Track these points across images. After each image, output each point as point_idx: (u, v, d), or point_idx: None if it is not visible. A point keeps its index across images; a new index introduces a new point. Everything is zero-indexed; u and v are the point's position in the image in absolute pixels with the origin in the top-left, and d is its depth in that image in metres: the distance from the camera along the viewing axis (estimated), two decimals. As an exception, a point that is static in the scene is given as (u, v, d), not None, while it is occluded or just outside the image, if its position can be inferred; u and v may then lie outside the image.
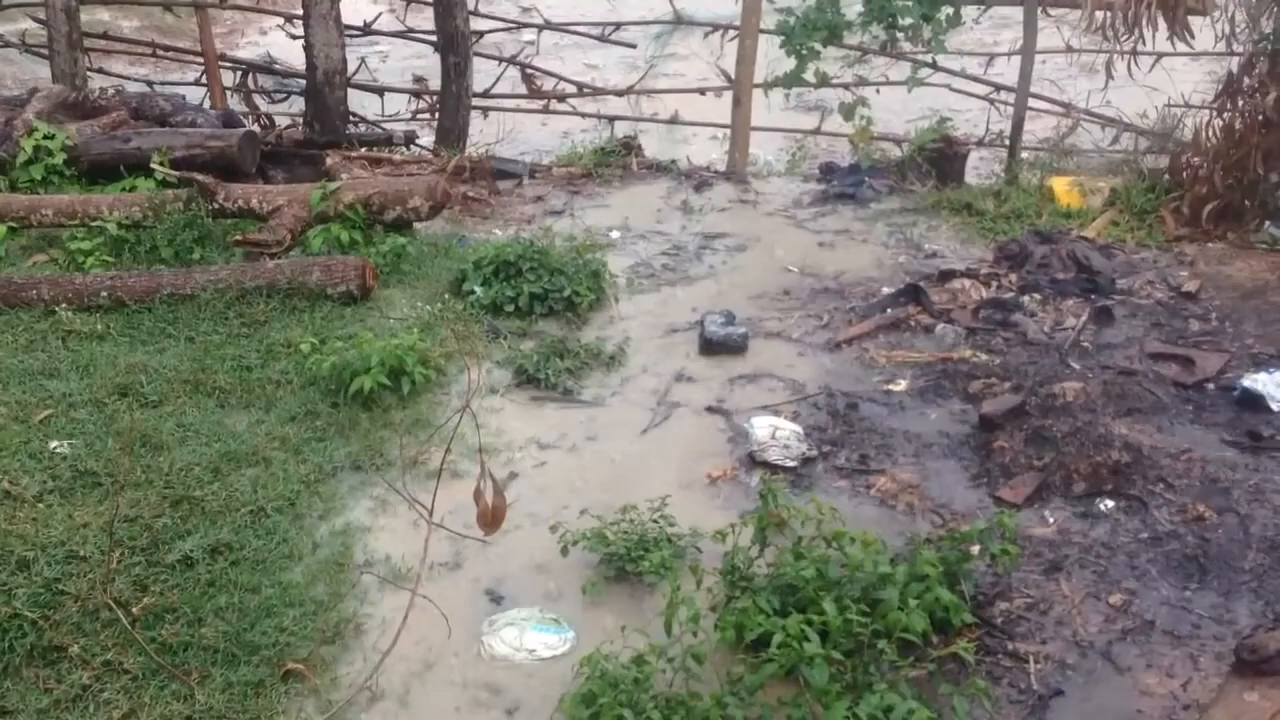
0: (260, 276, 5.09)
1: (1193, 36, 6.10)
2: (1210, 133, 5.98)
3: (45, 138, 6.50)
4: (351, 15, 7.90)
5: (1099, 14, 6.23)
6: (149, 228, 5.68)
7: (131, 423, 4.06)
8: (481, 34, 8.30)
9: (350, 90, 7.73)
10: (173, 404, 4.28)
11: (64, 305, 4.99)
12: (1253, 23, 5.95)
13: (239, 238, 5.59)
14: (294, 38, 8.03)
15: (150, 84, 9.07)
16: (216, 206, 5.78)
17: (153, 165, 6.13)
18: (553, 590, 3.41)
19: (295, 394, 4.38)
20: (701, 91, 8.27)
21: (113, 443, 3.96)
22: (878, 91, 7.64)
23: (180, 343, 4.78)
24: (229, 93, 8.60)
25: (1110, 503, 3.68)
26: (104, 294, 5.03)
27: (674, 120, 8.36)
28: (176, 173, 6.00)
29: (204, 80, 8.54)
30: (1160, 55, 6.64)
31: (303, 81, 7.81)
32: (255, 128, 7.62)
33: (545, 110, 8.60)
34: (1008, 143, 7.05)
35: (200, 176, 5.81)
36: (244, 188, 5.95)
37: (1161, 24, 6.17)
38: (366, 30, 8.45)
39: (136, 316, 4.98)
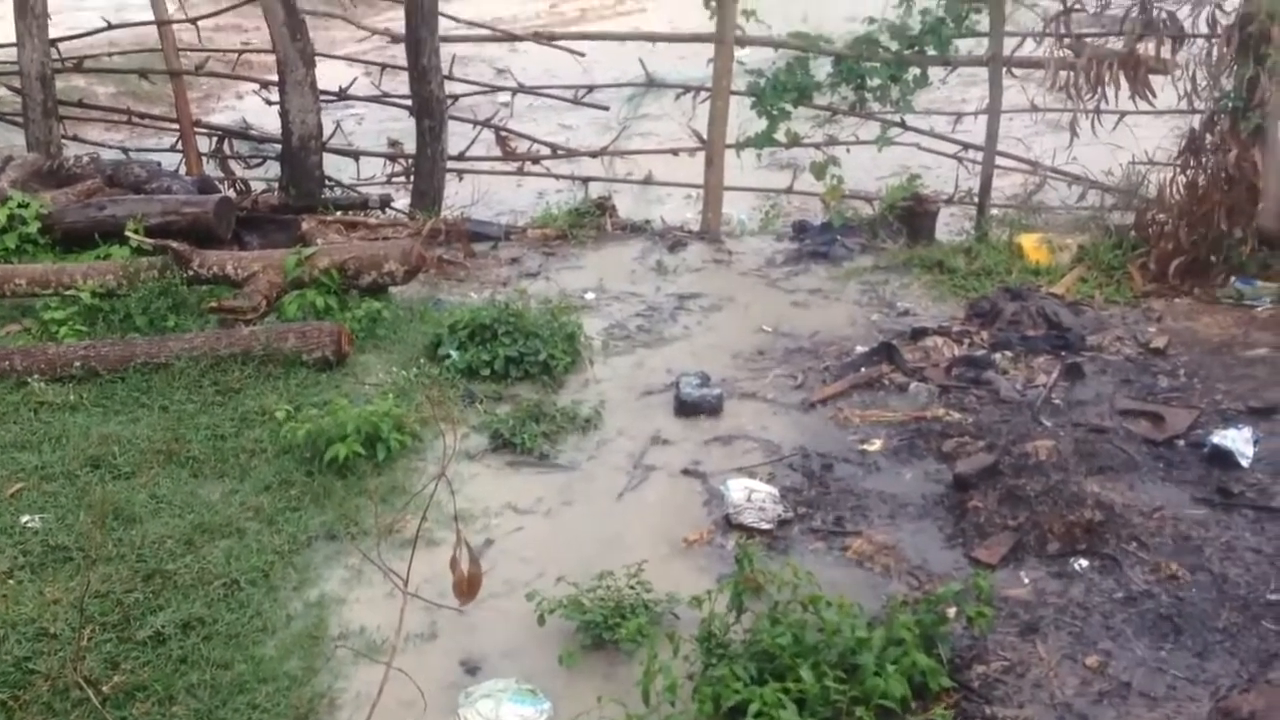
0: (235, 344, 5.09)
1: (1154, 95, 6.22)
2: (1174, 189, 6.08)
3: (20, 206, 6.50)
4: (327, 80, 7.95)
5: (1062, 73, 6.37)
6: (123, 296, 5.67)
7: (103, 495, 4.04)
8: (456, 98, 8.37)
9: (326, 154, 7.77)
10: (146, 475, 4.26)
11: (37, 376, 4.98)
12: (1213, 81, 6.06)
13: (214, 305, 5.60)
14: (270, 104, 8.08)
15: (126, 151, 9.09)
16: (191, 273, 5.79)
17: (128, 233, 6.14)
18: (529, 660, 3.39)
19: (270, 462, 4.36)
20: (674, 152, 8.35)
21: (84, 516, 3.94)
22: (848, 151, 7.73)
23: (154, 412, 4.76)
24: (205, 158, 8.63)
25: (1084, 562, 3.71)
26: (77, 364, 5.02)
27: (648, 181, 8.43)
28: (151, 240, 6.01)
29: (179, 146, 8.57)
30: (1123, 114, 6.75)
31: (278, 146, 7.85)
32: (231, 193, 7.65)
33: (520, 172, 8.66)
34: (977, 200, 7.15)
35: (175, 244, 5.82)
36: (219, 254, 5.96)
37: (1124, 82, 6.32)
38: (342, 95, 8.51)
39: (110, 386, 4.96)
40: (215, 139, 8.75)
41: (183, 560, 3.73)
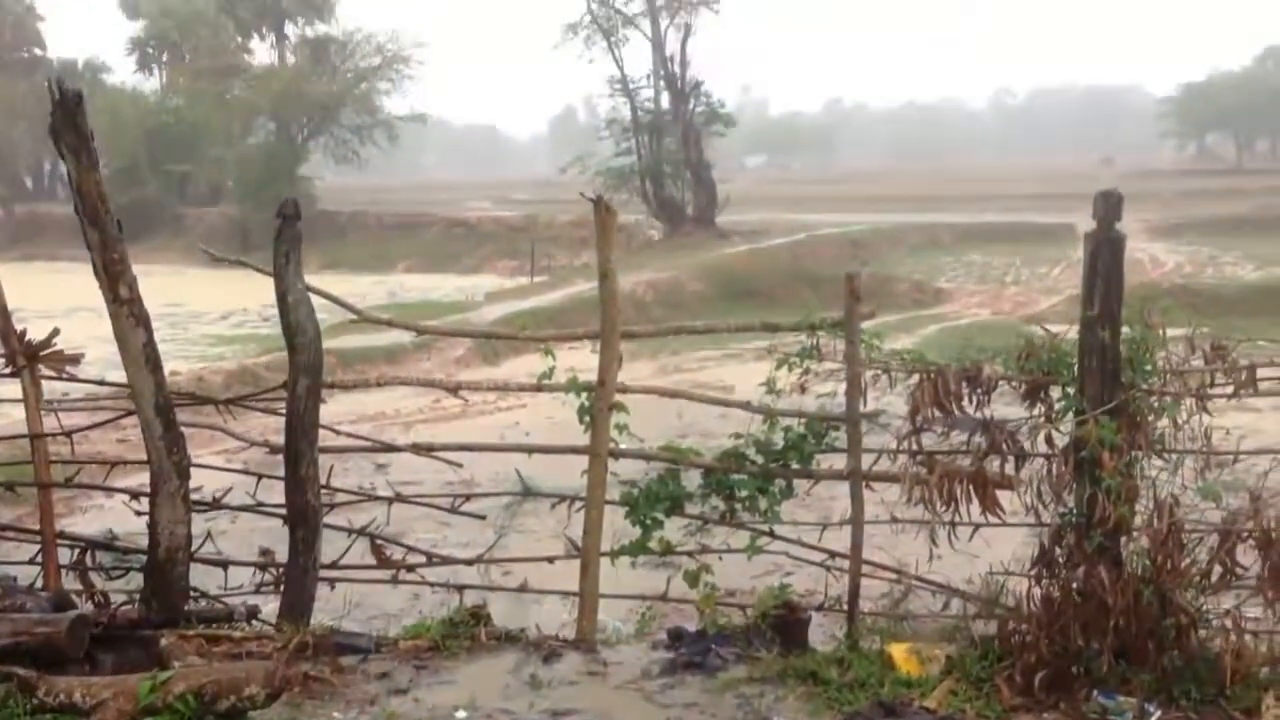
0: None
1: (1003, 512, 6.58)
2: (1031, 601, 6.30)
3: None
4: (201, 477, 7.95)
5: (917, 489, 6.72)
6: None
7: None
8: (332, 506, 8.41)
9: (194, 563, 7.64)
10: None
11: None
12: (1056, 496, 6.45)
13: (56, 743, 5.27)
14: (139, 514, 7.99)
15: (-19, 559, 8.79)
16: (37, 702, 5.48)
17: (-28, 656, 5.83)
18: None
19: None
20: (550, 560, 8.43)
21: None
22: (720, 558, 7.90)
23: None
24: (64, 570, 8.38)
25: None
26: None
27: (523, 589, 8.44)
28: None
29: (39, 559, 8.33)
30: (977, 525, 7.08)
31: (144, 557, 7.69)
32: (88, 607, 7.39)
33: (394, 580, 8.59)
34: (846, 609, 7.29)
35: (21, 670, 5.55)
36: (68, 681, 5.67)
37: (975, 497, 6.68)
38: (215, 505, 8.48)
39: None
40: (78, 550, 8.54)
41: None
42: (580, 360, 8.09)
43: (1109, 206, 6.23)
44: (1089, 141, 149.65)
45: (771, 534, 7.78)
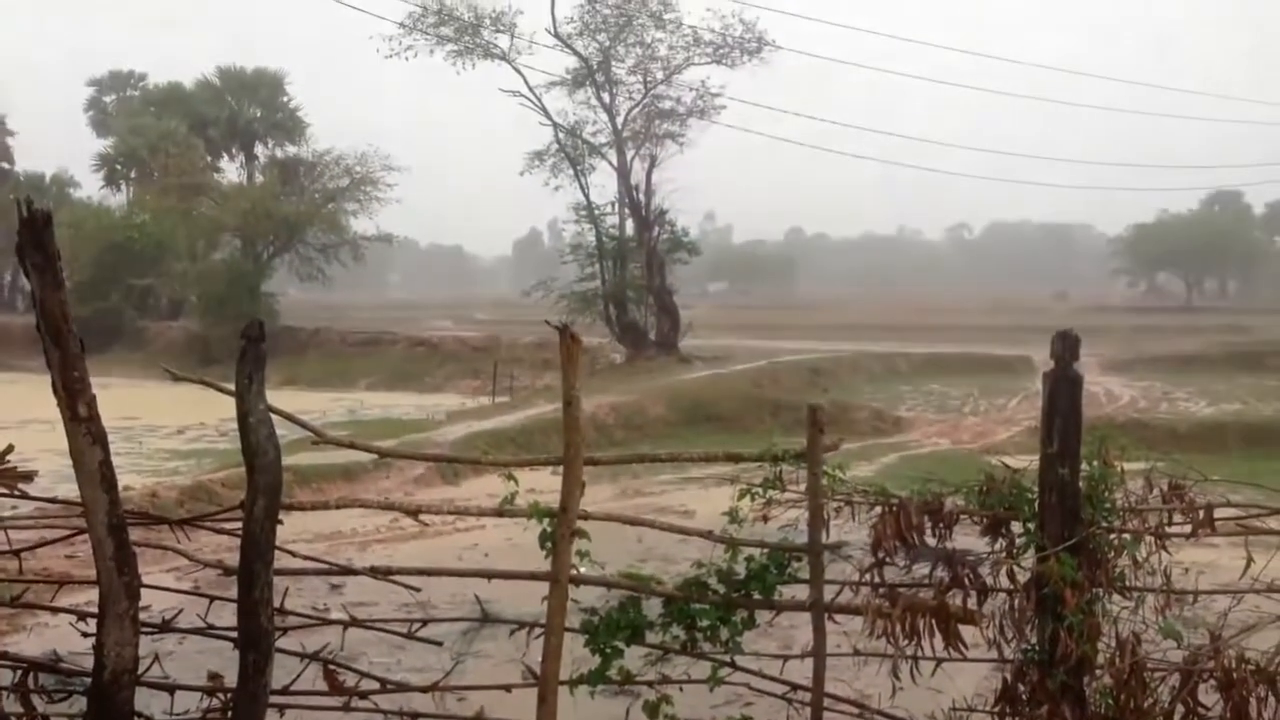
0: None
1: (965, 646, 6.55)
2: (996, 740, 6.24)
3: None
4: (151, 601, 7.77)
5: (879, 622, 6.69)
6: None
7: None
8: (285, 630, 8.23)
9: (139, 687, 7.41)
10: None
11: None
12: (1019, 632, 6.44)
13: None
14: (86, 635, 7.77)
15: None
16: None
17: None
18: None
19: None
20: (507, 688, 8.26)
21: None
22: (680, 689, 7.77)
23: None
24: (4, 692, 8.10)
25: None
26: None
27: (479, 718, 8.25)
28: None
29: (-22, 677, 8.06)
30: (940, 660, 7.03)
31: (88, 679, 7.46)
32: (26, 732, 7.13)
33: (346, 707, 8.37)
34: (809, 745, 7.17)
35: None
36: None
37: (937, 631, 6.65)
38: (164, 627, 8.28)
39: None
40: (20, 671, 8.27)
41: None
42: (541, 481, 8.07)
43: (1066, 346, 6.36)
44: (1043, 275, 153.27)
45: (733, 664, 7.68)
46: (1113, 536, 6.47)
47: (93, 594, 7.63)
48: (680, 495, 20.74)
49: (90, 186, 79.61)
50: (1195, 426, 28.93)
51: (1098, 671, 6.17)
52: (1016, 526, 6.72)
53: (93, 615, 7.74)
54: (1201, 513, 6.49)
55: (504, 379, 43.57)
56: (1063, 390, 6.41)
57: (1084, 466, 6.46)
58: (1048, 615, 6.14)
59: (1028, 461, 6.84)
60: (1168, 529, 6.55)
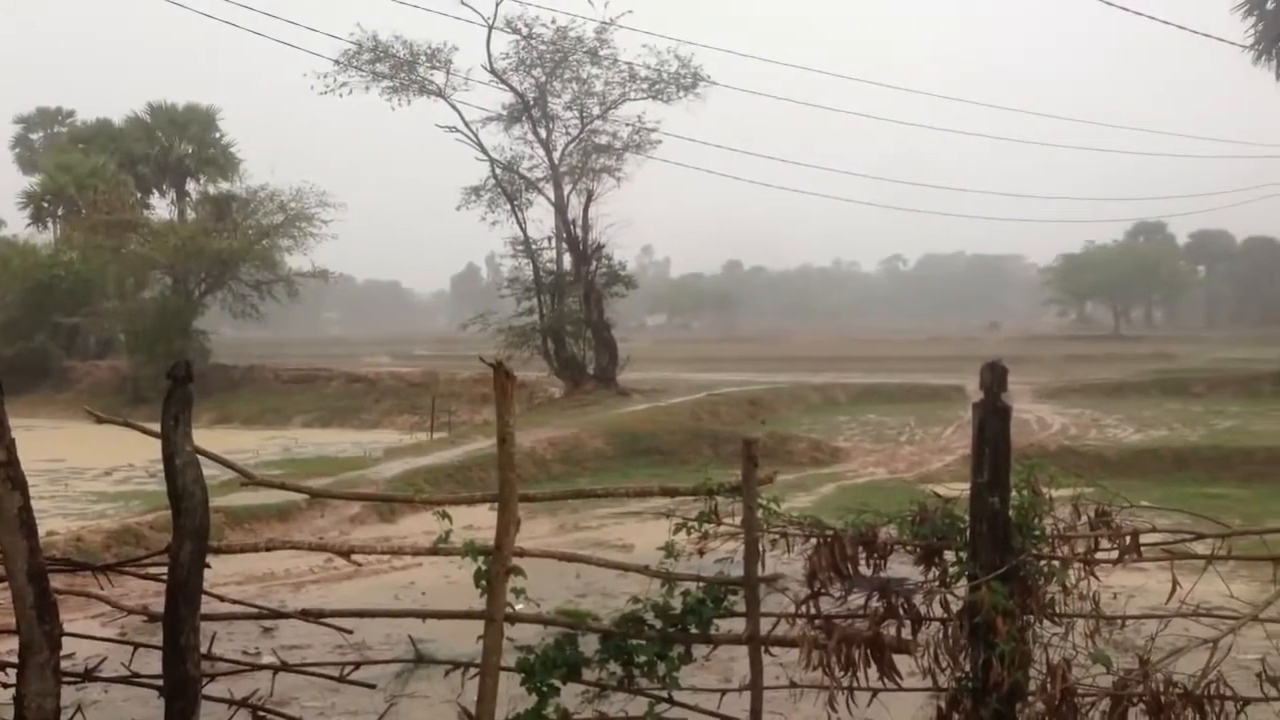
0: None
1: (900, 676, 6.57)
2: (931, 770, 6.25)
3: None
4: (74, 649, 7.56)
5: (815, 654, 6.68)
6: None
7: None
8: (213, 676, 8.05)
9: (61, 740, 7.19)
10: None
11: None
12: (953, 660, 6.47)
13: None
14: (5, 686, 7.55)
15: None
16: None
17: None
18: None
19: None
20: (443, 730, 8.13)
21: None
22: (619, 728, 7.71)
23: None
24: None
25: None
26: None
27: (413, 761, 8.11)
28: None
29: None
30: (875, 690, 7.04)
31: (7, 732, 7.23)
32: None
33: (277, 758, 8.20)
34: (748, 781, 7.13)
35: None
36: None
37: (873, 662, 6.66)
38: (88, 676, 8.06)
39: None
40: (-64, 725, 8.00)
41: None
42: (479, 518, 8.00)
43: (995, 377, 6.44)
44: (976, 305, 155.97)
45: (670, 700, 7.63)
46: (1043, 563, 6.54)
47: (12, 643, 7.41)
48: (618, 529, 20.65)
49: (16, 224, 78.11)
50: (1124, 452, 29.41)
51: (1030, 698, 6.21)
52: (950, 555, 6.78)
53: (12, 665, 7.52)
54: (1128, 538, 6.59)
55: (442, 414, 43.25)
56: (992, 421, 6.48)
57: (1014, 495, 6.53)
58: (980, 643, 6.19)
59: (960, 490, 6.91)
60: (1096, 555, 6.64)
